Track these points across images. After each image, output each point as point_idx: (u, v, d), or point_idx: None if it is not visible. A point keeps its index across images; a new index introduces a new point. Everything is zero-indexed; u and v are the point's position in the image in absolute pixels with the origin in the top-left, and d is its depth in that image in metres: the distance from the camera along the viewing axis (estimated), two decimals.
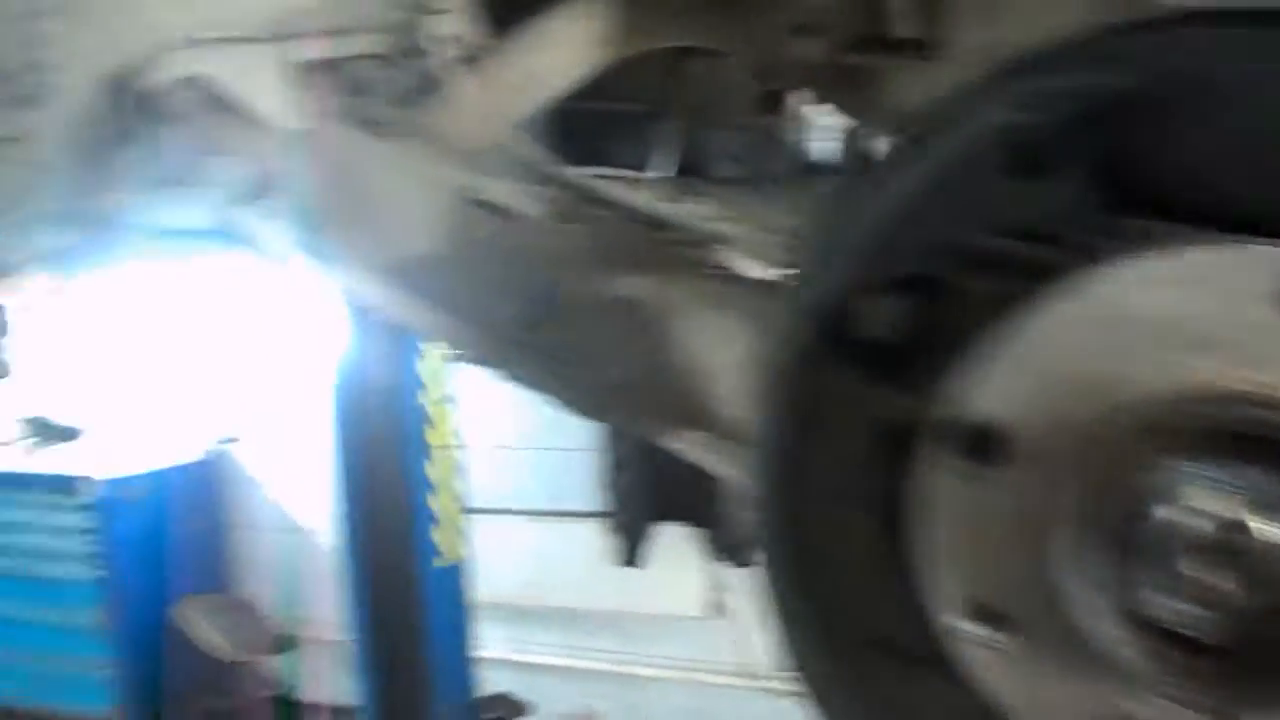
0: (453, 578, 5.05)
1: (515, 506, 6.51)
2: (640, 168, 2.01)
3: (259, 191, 1.62)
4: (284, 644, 6.76)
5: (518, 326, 1.39)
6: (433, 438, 4.94)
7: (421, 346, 4.74)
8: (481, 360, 1.50)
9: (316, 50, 1.57)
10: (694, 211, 1.77)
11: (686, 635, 6.22)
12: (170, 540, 6.74)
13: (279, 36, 1.57)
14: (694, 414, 1.32)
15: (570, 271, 1.41)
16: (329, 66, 1.59)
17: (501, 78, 1.58)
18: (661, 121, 2.00)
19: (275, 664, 6.76)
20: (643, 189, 1.89)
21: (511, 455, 6.42)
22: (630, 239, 1.50)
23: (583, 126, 1.90)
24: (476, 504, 5.49)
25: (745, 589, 5.70)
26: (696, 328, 1.32)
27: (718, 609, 6.10)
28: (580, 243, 1.45)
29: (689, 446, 1.38)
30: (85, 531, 6.49)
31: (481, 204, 1.46)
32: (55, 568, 6.60)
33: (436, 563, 4.90)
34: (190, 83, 1.65)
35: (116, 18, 1.62)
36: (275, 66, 1.58)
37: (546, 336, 1.40)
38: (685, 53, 1.75)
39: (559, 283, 1.39)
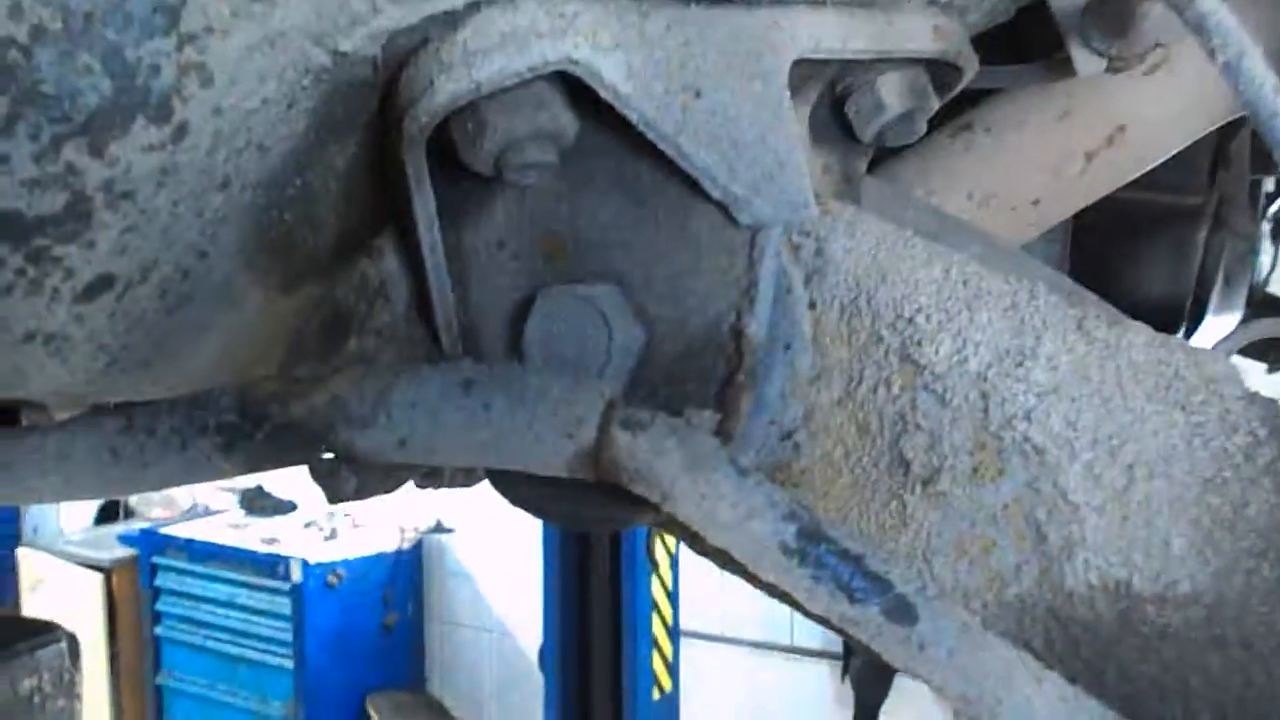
0: (669, 712, 4.53)
1: (731, 634, 5.97)
2: None
3: None
4: None
5: None
6: (659, 551, 4.47)
7: None
8: None
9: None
10: None
11: None
12: (368, 631, 6.51)
13: None
14: None
15: None
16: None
17: None
18: None
19: None
20: None
21: (729, 575, 5.90)
22: None
23: None
24: (688, 626, 4.98)
25: None
26: None
27: None
28: None
29: None
30: (285, 616, 6.31)
31: None
32: (253, 650, 6.46)
33: (654, 694, 4.38)
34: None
35: None
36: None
37: None
38: None
39: None
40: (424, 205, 0.68)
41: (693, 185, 0.69)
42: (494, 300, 0.73)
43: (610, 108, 0.66)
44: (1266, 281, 2.61)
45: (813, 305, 0.73)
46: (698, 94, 0.67)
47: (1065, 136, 1.24)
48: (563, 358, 0.70)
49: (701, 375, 0.71)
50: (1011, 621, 0.66)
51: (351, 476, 0.71)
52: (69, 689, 0.59)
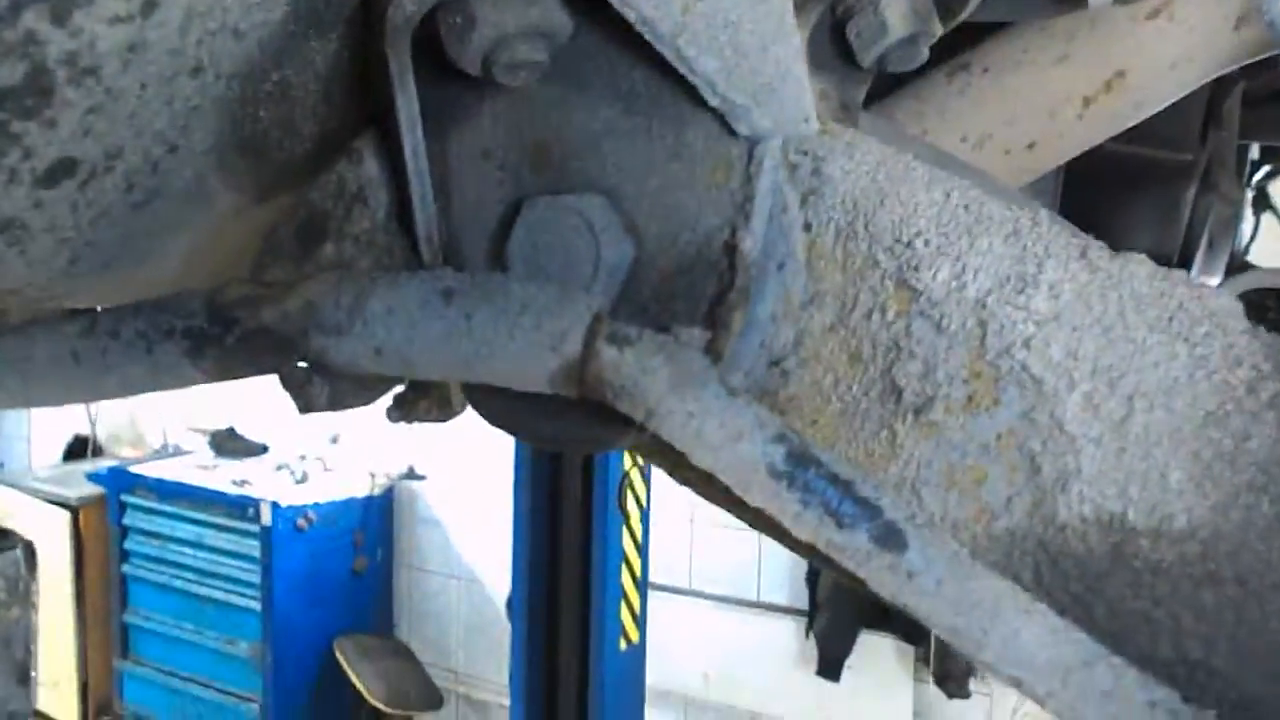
0: (635, 664, 4.53)
1: (697, 588, 6.00)
2: None
3: None
4: (437, 700, 6.45)
5: None
6: (630, 503, 4.46)
7: None
8: None
9: None
10: None
11: None
12: (337, 575, 6.50)
13: None
14: None
15: None
16: None
17: None
18: None
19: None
20: None
21: (698, 531, 5.95)
22: None
23: None
24: (656, 580, 4.99)
25: None
26: None
27: None
28: None
29: None
30: (253, 558, 6.27)
31: None
32: (221, 590, 6.44)
33: (621, 645, 4.39)
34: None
35: None
36: None
37: None
38: None
39: None
40: (407, 105, 0.65)
41: (690, 93, 0.66)
42: (478, 209, 0.70)
43: (606, 6, 0.62)
44: (1246, 250, 2.61)
45: (808, 227, 0.71)
46: None
47: (1063, 80, 1.22)
48: (548, 270, 0.68)
49: (692, 292, 0.68)
50: (1000, 554, 0.65)
51: (325, 386, 0.68)
52: (25, 598, 0.56)
